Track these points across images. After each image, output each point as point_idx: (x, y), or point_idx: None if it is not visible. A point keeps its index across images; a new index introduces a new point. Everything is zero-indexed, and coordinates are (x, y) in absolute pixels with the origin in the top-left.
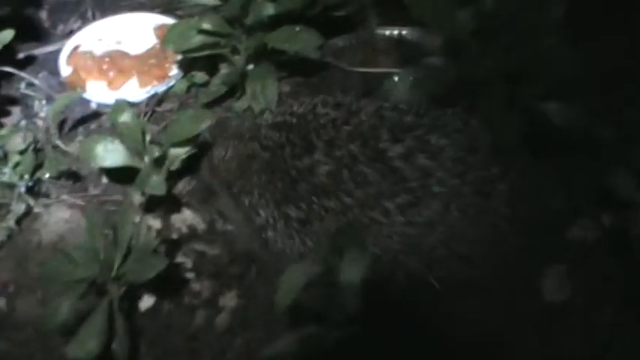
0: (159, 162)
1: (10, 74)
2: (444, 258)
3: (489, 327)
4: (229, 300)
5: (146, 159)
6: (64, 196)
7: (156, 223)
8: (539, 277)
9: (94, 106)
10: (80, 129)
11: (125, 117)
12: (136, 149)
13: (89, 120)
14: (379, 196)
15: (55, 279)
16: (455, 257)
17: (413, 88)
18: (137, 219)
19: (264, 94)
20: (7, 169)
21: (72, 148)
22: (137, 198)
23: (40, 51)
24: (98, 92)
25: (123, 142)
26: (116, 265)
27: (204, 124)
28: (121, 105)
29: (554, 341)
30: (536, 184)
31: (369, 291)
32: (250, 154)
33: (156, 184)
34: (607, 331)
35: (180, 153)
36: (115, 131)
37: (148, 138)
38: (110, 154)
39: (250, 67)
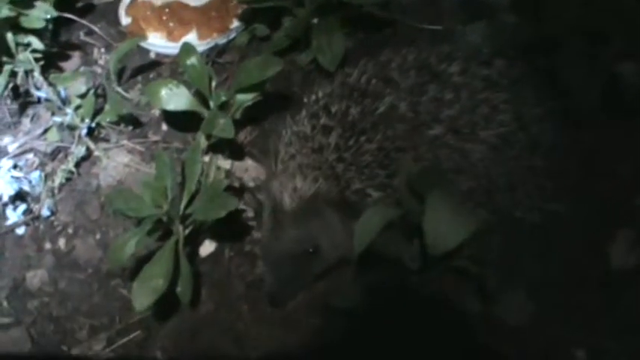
0: (224, 108)
1: (70, 21)
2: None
3: (559, 290)
4: None
5: (212, 104)
6: (124, 141)
7: (225, 164)
8: (608, 242)
9: (152, 56)
10: (139, 77)
11: (193, 60)
12: (201, 94)
13: (148, 69)
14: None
15: (121, 215)
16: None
17: (486, 43)
18: (206, 159)
19: (331, 48)
20: (69, 111)
21: (131, 95)
22: (202, 142)
23: (100, 0)
24: (158, 43)
25: (188, 86)
26: (183, 204)
27: (273, 70)
28: (189, 48)
29: (621, 307)
30: (611, 147)
31: (451, 236)
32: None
33: (224, 126)
34: None
35: (246, 99)
36: (178, 77)
37: (213, 84)
38: (175, 97)
39: (315, 20)
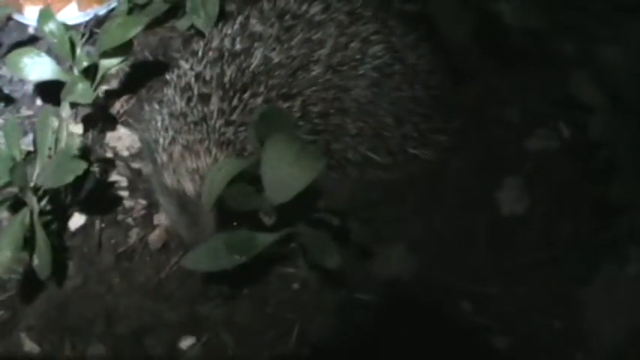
0: (88, 73)
1: None
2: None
3: (443, 241)
4: (164, 218)
5: (75, 70)
6: None
7: (77, 129)
8: (498, 189)
9: (31, 30)
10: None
11: (51, 25)
12: (65, 61)
13: (26, 44)
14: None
15: None
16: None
17: None
18: (56, 124)
19: (205, 8)
20: None
21: (5, 70)
22: (66, 111)
23: None
24: (36, 16)
25: (51, 54)
26: (36, 173)
27: (135, 30)
28: (47, 12)
29: (512, 253)
30: (491, 91)
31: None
32: None
33: (82, 92)
34: (566, 241)
35: (112, 64)
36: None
37: (78, 50)
38: (37, 66)
39: None
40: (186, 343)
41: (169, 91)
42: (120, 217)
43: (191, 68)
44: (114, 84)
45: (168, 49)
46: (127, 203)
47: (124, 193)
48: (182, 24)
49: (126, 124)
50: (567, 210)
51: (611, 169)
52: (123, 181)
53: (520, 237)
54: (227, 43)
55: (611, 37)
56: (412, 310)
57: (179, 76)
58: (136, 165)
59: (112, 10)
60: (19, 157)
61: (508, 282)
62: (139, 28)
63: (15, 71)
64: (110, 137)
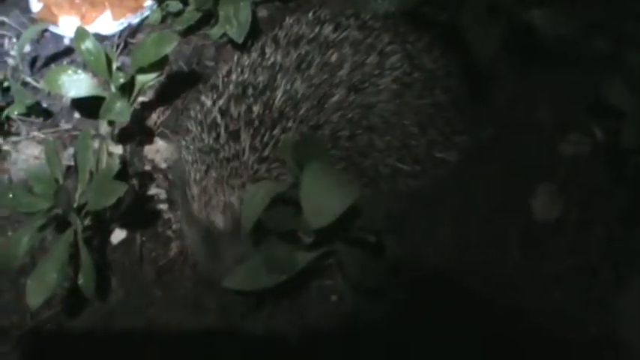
0: (125, 89)
1: None
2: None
3: (477, 248)
4: None
5: (112, 87)
6: (35, 133)
7: (118, 149)
8: (530, 195)
9: (67, 42)
10: (52, 66)
11: (88, 44)
12: (102, 79)
13: (62, 56)
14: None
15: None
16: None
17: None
18: (96, 145)
19: (238, 18)
20: None
21: (43, 84)
22: (104, 128)
23: None
24: (71, 27)
25: (88, 71)
26: (78, 194)
27: (169, 46)
28: (83, 32)
29: (545, 259)
30: (524, 98)
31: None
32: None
33: (120, 110)
34: (600, 247)
35: (147, 79)
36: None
37: (115, 66)
38: (75, 83)
39: None
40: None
41: (195, 128)
42: (160, 229)
43: (214, 104)
44: (149, 95)
45: (202, 57)
46: (166, 215)
47: (163, 206)
48: (215, 32)
49: (163, 136)
50: (601, 216)
51: None
52: (162, 194)
53: (554, 243)
54: (247, 75)
55: None
56: (448, 318)
57: (203, 113)
58: (172, 176)
59: (146, 18)
60: (61, 179)
61: (542, 288)
62: (173, 44)
63: (53, 89)
64: (148, 150)
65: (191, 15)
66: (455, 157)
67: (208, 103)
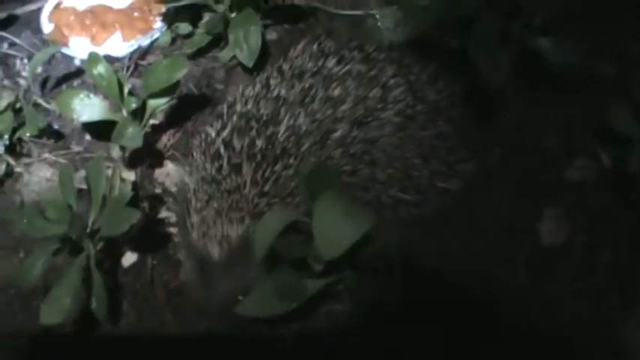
0: (137, 114)
1: None
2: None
3: (485, 271)
4: None
5: (124, 111)
6: (46, 155)
7: (130, 175)
8: (537, 220)
9: (77, 62)
10: (64, 87)
11: (100, 68)
12: (113, 101)
13: (73, 77)
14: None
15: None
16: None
17: (396, 28)
18: (109, 172)
19: (247, 42)
20: None
21: (54, 106)
22: (116, 152)
23: (23, 10)
24: (81, 48)
25: (100, 95)
26: (91, 220)
27: (181, 72)
28: (95, 56)
29: (553, 283)
30: (531, 123)
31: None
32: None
33: (132, 135)
34: (607, 272)
35: (159, 104)
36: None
37: (126, 90)
38: (87, 107)
39: (233, 14)
40: None
41: (198, 157)
42: (170, 252)
43: (217, 134)
44: (160, 117)
45: (212, 80)
46: (177, 239)
47: (174, 229)
48: (225, 55)
49: (173, 159)
50: (607, 240)
51: None
52: (172, 217)
53: (560, 267)
54: (251, 106)
55: None
56: (457, 340)
57: (207, 143)
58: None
59: (156, 40)
60: (74, 205)
61: (548, 312)
62: (184, 70)
63: (65, 112)
64: (159, 173)
65: (201, 38)
66: (458, 186)
67: (212, 133)
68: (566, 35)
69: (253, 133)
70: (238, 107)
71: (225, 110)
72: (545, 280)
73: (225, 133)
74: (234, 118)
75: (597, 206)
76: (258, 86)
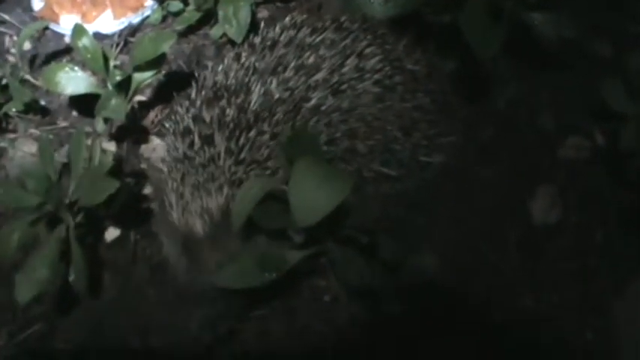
0: (121, 87)
1: None
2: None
3: (474, 250)
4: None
5: (109, 84)
6: (32, 130)
7: (111, 146)
8: (529, 198)
9: (67, 40)
10: (52, 64)
11: (84, 40)
12: (101, 77)
13: (62, 54)
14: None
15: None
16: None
17: (387, 3)
18: (89, 142)
19: (237, 17)
20: None
21: (41, 82)
22: (100, 126)
23: None
24: (72, 26)
25: (85, 68)
26: (70, 191)
27: (167, 43)
28: (80, 28)
29: (544, 262)
30: (524, 101)
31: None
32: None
33: (115, 108)
34: (598, 251)
35: (144, 77)
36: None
37: (112, 63)
38: (72, 81)
39: None
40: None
41: (169, 139)
42: (154, 228)
43: (187, 110)
44: (148, 94)
45: (202, 57)
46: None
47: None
48: (215, 32)
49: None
50: (600, 219)
51: None
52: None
53: (552, 246)
54: (220, 78)
55: None
56: (442, 320)
57: (176, 122)
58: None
59: (146, 18)
60: (54, 175)
61: (540, 291)
62: (170, 42)
63: (50, 86)
64: (144, 149)
65: (191, 15)
66: (440, 159)
67: (181, 111)
68: (561, 11)
69: (223, 102)
70: (207, 83)
71: (194, 88)
72: (536, 259)
73: (193, 109)
74: (203, 92)
75: (590, 185)
76: (227, 60)
